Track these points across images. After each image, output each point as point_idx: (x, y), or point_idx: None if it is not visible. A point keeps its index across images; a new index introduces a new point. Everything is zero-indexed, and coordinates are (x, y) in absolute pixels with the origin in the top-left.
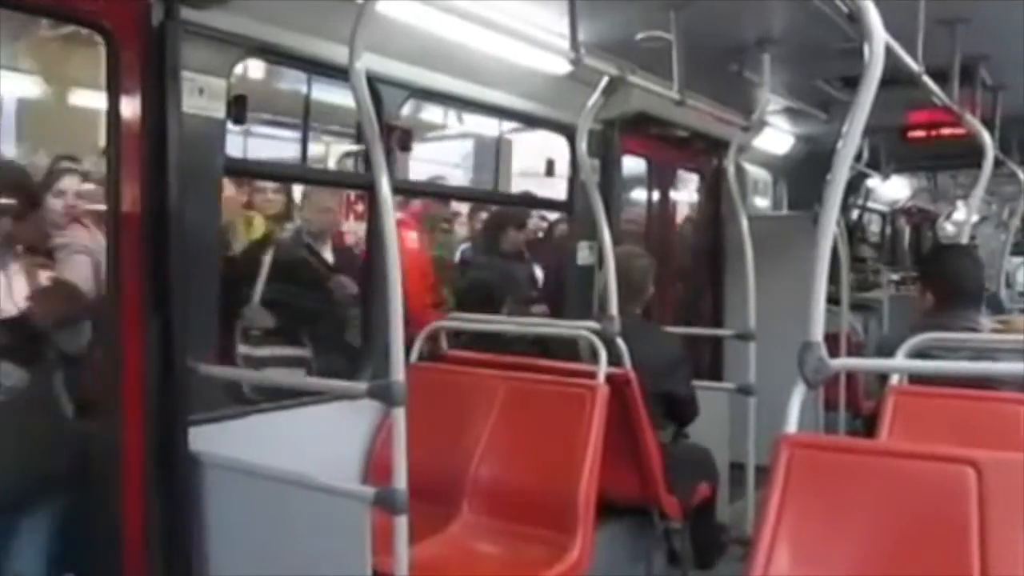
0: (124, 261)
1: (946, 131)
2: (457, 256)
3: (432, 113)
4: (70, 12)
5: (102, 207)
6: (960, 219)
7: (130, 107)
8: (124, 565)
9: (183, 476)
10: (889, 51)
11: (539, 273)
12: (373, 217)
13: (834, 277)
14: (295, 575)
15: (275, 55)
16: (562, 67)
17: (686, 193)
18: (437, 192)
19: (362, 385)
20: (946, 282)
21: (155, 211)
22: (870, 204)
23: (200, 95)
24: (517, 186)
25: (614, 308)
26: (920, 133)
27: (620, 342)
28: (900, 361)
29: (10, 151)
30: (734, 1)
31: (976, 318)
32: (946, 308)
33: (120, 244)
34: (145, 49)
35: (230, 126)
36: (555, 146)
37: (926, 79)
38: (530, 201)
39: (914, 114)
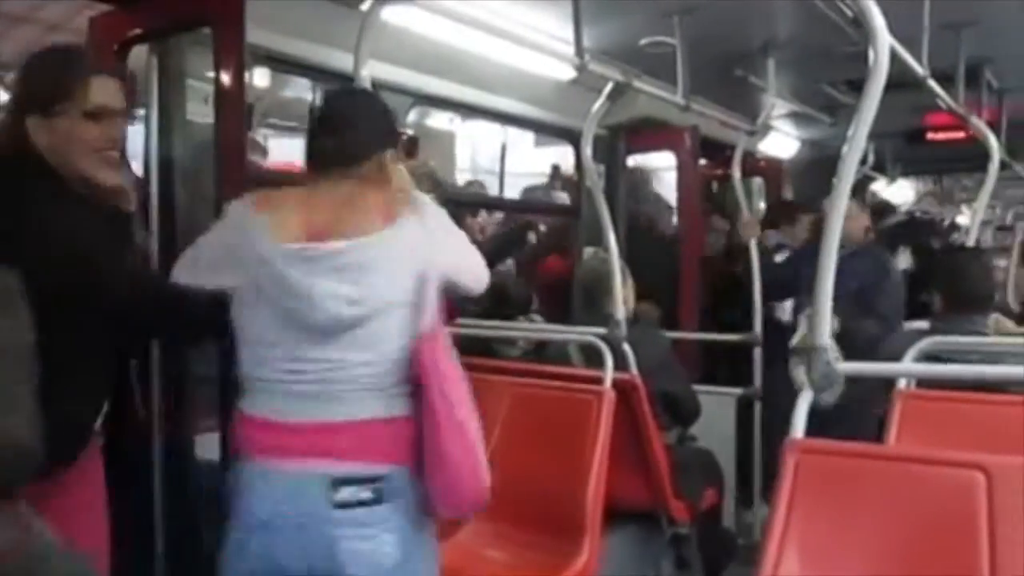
0: None
1: (952, 134)
2: None
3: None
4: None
5: None
6: (964, 223)
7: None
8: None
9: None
10: (894, 55)
11: None
12: None
13: None
14: None
15: (280, 63)
16: (567, 73)
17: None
18: (445, 199)
19: None
20: (951, 285)
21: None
22: None
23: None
24: None
25: (620, 313)
26: (926, 137)
27: (627, 347)
28: (907, 365)
29: None
30: (738, 5)
31: (985, 323)
32: (952, 312)
33: None
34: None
35: None
36: None
37: (931, 82)
38: (539, 207)
39: (919, 117)
